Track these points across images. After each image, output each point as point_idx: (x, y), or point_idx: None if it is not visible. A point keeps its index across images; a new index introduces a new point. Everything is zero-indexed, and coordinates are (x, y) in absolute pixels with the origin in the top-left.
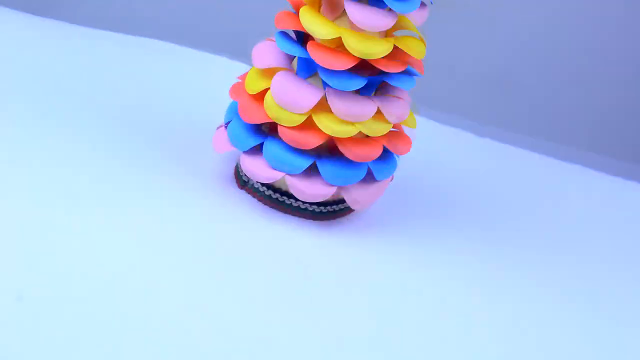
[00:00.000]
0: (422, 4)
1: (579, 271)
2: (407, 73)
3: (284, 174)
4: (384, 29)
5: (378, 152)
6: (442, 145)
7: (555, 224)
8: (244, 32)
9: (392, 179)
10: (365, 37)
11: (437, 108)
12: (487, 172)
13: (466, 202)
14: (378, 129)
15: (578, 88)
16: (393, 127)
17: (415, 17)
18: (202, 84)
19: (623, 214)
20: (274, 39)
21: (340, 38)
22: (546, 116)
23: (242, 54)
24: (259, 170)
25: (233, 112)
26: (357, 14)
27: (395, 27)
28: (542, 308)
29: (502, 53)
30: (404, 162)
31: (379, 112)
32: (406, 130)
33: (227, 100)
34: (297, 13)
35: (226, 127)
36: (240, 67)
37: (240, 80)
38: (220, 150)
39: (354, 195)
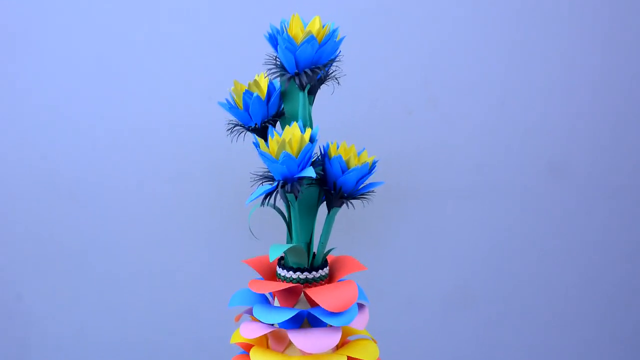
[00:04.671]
0: (361, 307)
1: None
2: None
3: None
4: (331, 347)
5: None
6: None
7: None
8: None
9: None
10: (318, 359)
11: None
12: None
13: None
14: None
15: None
16: None
17: (358, 322)
18: None
19: None
20: None
21: None
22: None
23: None
24: None
25: None
26: (303, 341)
27: (345, 335)
28: None
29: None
30: None
31: None
32: None
33: None
34: (248, 354)
35: None
36: None
37: None
38: None
39: None
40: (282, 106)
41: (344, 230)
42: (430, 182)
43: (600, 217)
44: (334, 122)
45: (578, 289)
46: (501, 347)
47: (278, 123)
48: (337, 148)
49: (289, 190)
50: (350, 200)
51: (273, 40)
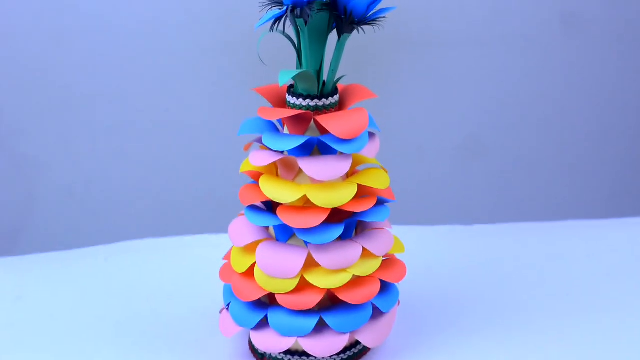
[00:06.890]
0: (371, 135)
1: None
2: (379, 204)
3: (296, 338)
4: (342, 174)
5: (376, 288)
6: (437, 245)
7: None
8: (214, 207)
9: (399, 303)
10: (328, 187)
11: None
12: (487, 257)
13: (475, 300)
14: (369, 267)
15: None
16: (384, 257)
17: (369, 150)
18: (194, 267)
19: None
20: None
21: (306, 195)
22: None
23: (221, 229)
24: (271, 342)
25: (230, 294)
26: (313, 168)
27: (355, 164)
28: None
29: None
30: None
31: (365, 250)
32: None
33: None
34: (258, 183)
35: (228, 309)
36: (224, 239)
37: (226, 261)
38: (229, 334)
39: (368, 336)
40: None
41: (353, 75)
42: (440, 30)
43: (612, 67)
44: None
45: (588, 138)
46: (511, 195)
47: None
48: None
49: (299, 14)
50: (361, 26)
51: None
